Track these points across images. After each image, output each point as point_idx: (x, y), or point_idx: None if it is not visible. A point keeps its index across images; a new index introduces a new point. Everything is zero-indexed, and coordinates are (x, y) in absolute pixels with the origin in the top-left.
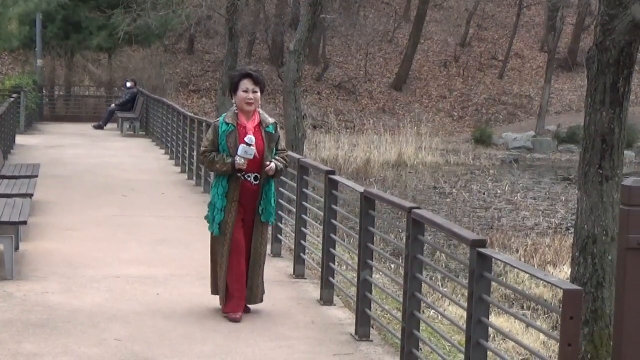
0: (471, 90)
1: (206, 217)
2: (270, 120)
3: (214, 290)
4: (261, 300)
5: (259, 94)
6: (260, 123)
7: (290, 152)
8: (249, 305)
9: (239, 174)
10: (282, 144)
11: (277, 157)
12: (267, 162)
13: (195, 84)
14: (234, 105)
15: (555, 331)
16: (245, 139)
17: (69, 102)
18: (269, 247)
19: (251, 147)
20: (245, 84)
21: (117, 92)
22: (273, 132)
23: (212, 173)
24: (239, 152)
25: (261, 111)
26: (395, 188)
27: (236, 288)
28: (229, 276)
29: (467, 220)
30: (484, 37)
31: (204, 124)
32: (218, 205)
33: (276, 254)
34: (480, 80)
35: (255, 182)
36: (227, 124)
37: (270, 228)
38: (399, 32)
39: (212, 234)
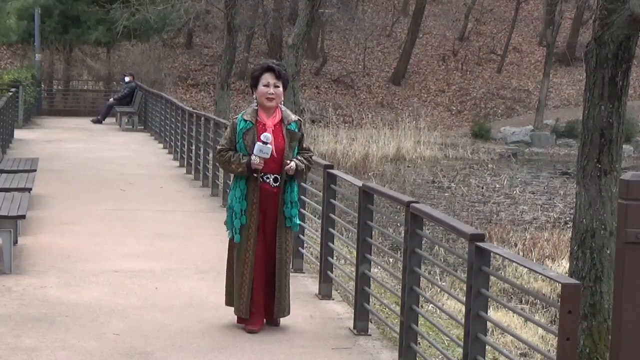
0: (470, 85)
1: (226, 223)
2: (293, 117)
3: (230, 301)
4: (288, 313)
5: (280, 89)
6: (281, 120)
7: None
8: (278, 319)
9: (256, 175)
10: (307, 143)
11: (298, 157)
12: (287, 161)
13: (193, 78)
14: (254, 101)
15: (553, 325)
16: (262, 136)
17: (68, 96)
18: None
19: (267, 145)
20: (267, 78)
21: (115, 86)
22: (296, 130)
23: (229, 174)
24: (254, 151)
25: (283, 108)
26: (394, 182)
27: (260, 300)
28: (256, 287)
29: (465, 215)
30: (483, 32)
31: (202, 118)
32: (237, 209)
33: None
34: (479, 75)
35: (275, 184)
36: (246, 121)
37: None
38: (397, 26)
39: (231, 240)
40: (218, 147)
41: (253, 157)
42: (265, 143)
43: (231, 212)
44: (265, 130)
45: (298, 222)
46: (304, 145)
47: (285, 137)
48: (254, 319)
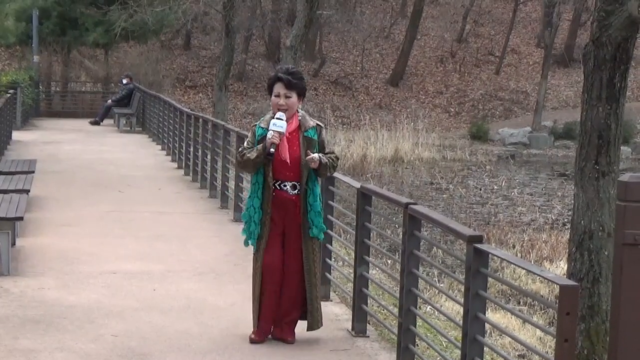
0: (468, 86)
1: (244, 234)
2: (312, 123)
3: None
4: (322, 325)
5: (293, 98)
6: (299, 127)
7: None
8: (310, 332)
9: (273, 184)
10: (331, 147)
11: (321, 154)
12: (309, 152)
13: (191, 80)
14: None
15: (551, 327)
16: (277, 114)
17: (66, 98)
18: None
19: (282, 120)
20: (277, 88)
21: (113, 88)
22: (314, 136)
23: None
24: (269, 127)
25: (302, 114)
26: (392, 184)
27: (269, 312)
28: (266, 299)
29: (463, 216)
30: (481, 33)
31: (200, 120)
32: (256, 219)
33: None
34: (477, 76)
35: (293, 192)
36: (263, 128)
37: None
38: (395, 28)
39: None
40: (239, 150)
41: (269, 133)
42: (278, 118)
43: (250, 221)
44: (282, 140)
45: (324, 229)
46: (327, 151)
47: (302, 144)
48: (260, 330)
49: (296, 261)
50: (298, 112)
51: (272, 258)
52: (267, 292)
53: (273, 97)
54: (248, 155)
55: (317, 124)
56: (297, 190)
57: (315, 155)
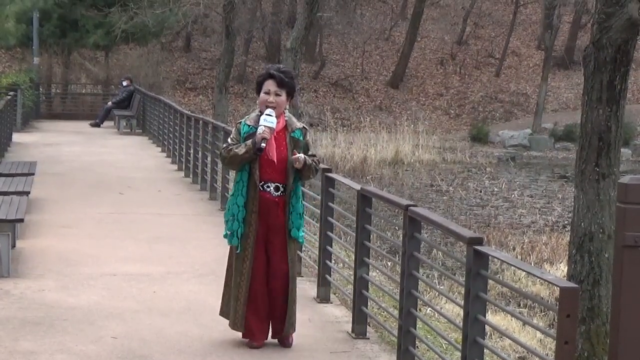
0: (468, 88)
1: (225, 235)
2: (298, 124)
3: (224, 312)
4: (294, 330)
5: (282, 97)
6: (285, 127)
7: None
8: (290, 339)
9: (259, 185)
10: (314, 150)
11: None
12: (295, 152)
13: (192, 82)
14: (258, 106)
15: (552, 329)
16: (266, 111)
17: (66, 100)
18: None
19: (272, 116)
20: (268, 85)
21: (114, 90)
22: (300, 138)
23: (227, 179)
24: (260, 122)
25: (288, 115)
26: (392, 186)
27: (263, 314)
28: (252, 300)
29: (464, 218)
30: (481, 35)
31: (200, 121)
32: (239, 217)
33: None
34: (477, 78)
35: (276, 194)
36: (249, 126)
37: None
38: (395, 30)
39: (231, 248)
40: (224, 146)
41: (259, 128)
42: (269, 115)
43: (232, 219)
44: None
45: (303, 234)
46: (310, 153)
47: (288, 145)
48: (257, 334)
49: (281, 263)
50: (285, 113)
51: (261, 259)
52: (257, 295)
53: (262, 94)
54: (235, 150)
55: (303, 126)
56: (280, 192)
57: (301, 155)
